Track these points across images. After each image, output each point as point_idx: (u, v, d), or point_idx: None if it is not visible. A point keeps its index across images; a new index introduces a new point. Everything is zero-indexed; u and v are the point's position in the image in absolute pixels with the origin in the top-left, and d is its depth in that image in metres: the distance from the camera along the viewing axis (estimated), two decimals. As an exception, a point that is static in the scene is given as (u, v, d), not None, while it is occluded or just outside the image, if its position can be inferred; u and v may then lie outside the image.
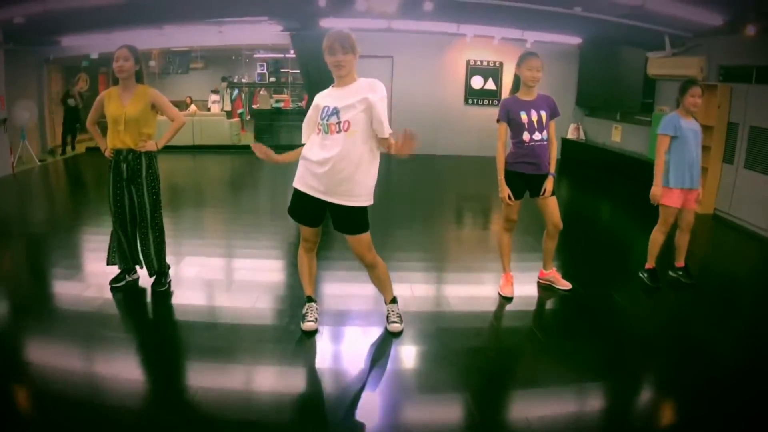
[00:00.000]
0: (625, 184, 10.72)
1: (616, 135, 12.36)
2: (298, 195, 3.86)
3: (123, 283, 4.92)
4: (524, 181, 4.74)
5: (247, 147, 14.04)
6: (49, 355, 3.77)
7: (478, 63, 13.87)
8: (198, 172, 12.50)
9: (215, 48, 15.44)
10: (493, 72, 13.93)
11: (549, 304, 5.00)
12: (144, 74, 4.74)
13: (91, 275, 5.27)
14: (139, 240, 4.88)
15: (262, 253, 6.27)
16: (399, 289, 4.53)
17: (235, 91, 17.90)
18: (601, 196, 10.76)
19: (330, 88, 3.82)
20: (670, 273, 5.64)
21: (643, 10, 7.74)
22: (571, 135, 13.31)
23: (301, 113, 14.17)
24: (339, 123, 3.63)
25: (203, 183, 11.27)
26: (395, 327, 4.16)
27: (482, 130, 13.60)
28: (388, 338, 4.12)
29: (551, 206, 4.82)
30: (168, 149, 4.92)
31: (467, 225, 8.57)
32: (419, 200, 9.46)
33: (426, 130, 13.52)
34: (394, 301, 4.27)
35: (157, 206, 4.81)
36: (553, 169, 4.77)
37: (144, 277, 5.04)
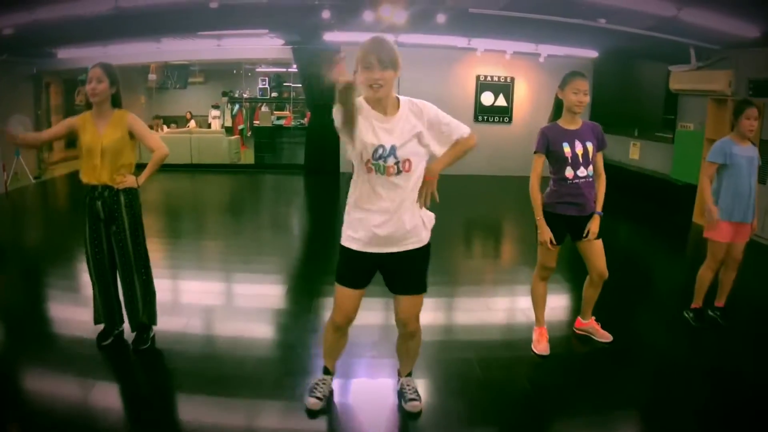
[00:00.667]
0: (645, 205, 10.20)
1: (634, 152, 11.83)
2: (351, 255, 3.17)
3: (111, 339, 4.29)
4: (566, 223, 4.11)
5: (248, 166, 13.87)
6: (39, 386, 3.63)
7: (489, 78, 13.31)
8: (196, 193, 11.96)
9: (215, 62, 14.97)
10: (504, 88, 13.38)
11: (587, 357, 4.42)
12: (121, 97, 4.11)
13: (87, 301, 4.57)
14: (123, 289, 4.24)
15: (264, 287, 5.87)
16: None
17: (236, 107, 17.43)
18: (620, 217, 10.07)
19: (368, 105, 3.00)
20: (709, 312, 5.13)
21: (675, 22, 7.18)
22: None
23: (303, 131, 13.88)
24: (398, 163, 2.99)
25: (202, 205, 10.73)
26: (416, 405, 3.52)
27: (493, 149, 13.17)
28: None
29: (596, 251, 4.18)
30: (165, 168, 4.39)
31: (480, 254, 8.04)
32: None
33: (434, 149, 13.06)
34: (411, 374, 3.66)
35: (140, 249, 4.19)
36: (600, 207, 4.13)
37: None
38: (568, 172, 3.98)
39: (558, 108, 4.10)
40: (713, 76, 8.94)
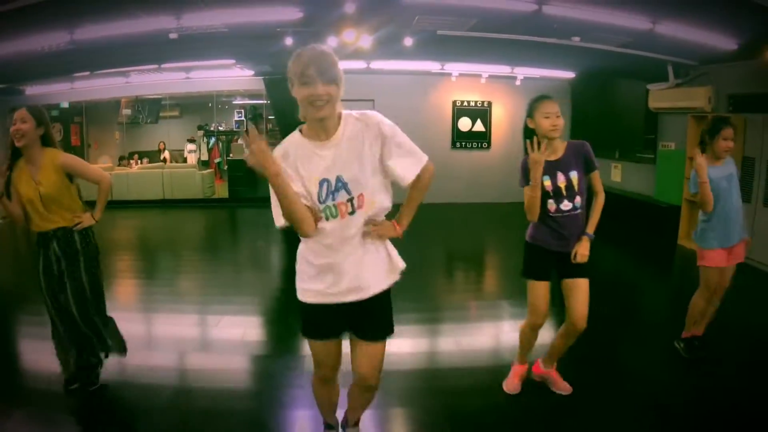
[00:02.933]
0: (629, 228, 9.85)
1: (615, 174, 11.60)
2: (313, 309, 2.73)
3: (77, 384, 4.04)
4: (553, 257, 3.72)
5: (222, 200, 13.55)
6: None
7: (465, 104, 13.13)
8: (170, 229, 11.60)
9: (187, 95, 14.81)
10: (482, 113, 13.18)
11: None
12: (54, 137, 3.86)
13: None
14: (78, 326, 3.97)
15: (242, 323, 5.70)
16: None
17: (212, 140, 17.18)
18: (603, 242, 9.71)
19: (302, 137, 2.58)
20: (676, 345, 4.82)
21: (651, 36, 6.97)
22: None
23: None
24: (352, 200, 2.54)
25: (176, 242, 10.36)
26: None
27: (472, 176, 13.07)
28: None
29: (579, 294, 3.70)
30: (137, 205, 4.19)
31: (461, 286, 7.66)
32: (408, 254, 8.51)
33: (410, 178, 12.82)
34: (357, 423, 3.29)
35: (97, 288, 3.96)
36: (592, 229, 3.71)
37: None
38: (550, 205, 3.62)
39: (529, 137, 3.60)
40: (692, 93, 8.78)
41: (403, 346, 4.76)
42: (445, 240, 10.10)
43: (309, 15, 6.58)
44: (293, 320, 5.54)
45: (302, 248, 2.72)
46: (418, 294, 6.38)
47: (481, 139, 13.24)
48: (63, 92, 12.92)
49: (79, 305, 3.89)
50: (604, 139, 11.53)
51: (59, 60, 8.45)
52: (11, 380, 4.26)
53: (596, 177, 3.71)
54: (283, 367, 4.48)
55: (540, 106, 3.58)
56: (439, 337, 5.36)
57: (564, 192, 3.59)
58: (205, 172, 14.33)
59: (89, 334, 3.99)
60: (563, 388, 4.04)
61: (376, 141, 2.56)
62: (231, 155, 15.50)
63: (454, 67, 11.67)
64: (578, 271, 3.71)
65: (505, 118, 13.11)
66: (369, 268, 2.65)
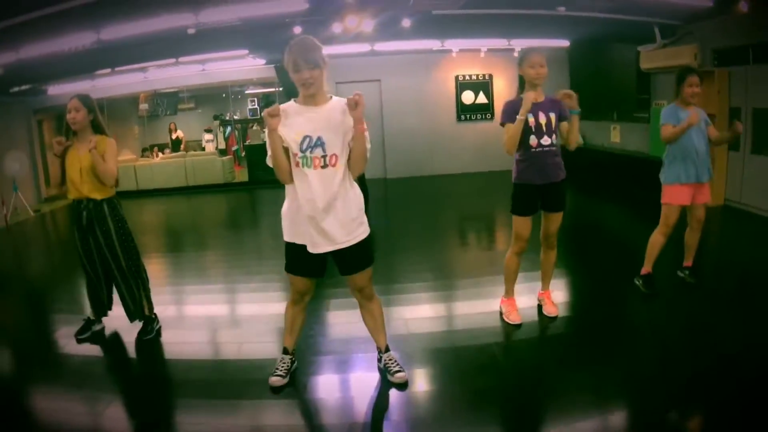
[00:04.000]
0: (630, 186, 10.29)
1: (615, 136, 12.05)
2: (295, 247, 3.45)
3: (88, 333, 4.71)
4: (538, 192, 4.34)
5: (243, 184, 14.10)
6: (51, 407, 3.68)
7: (467, 78, 13.66)
8: (194, 213, 12.24)
9: (203, 86, 15.32)
10: (483, 85, 13.72)
11: (553, 329, 4.56)
12: (102, 123, 4.52)
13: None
14: (116, 287, 4.68)
15: (263, 295, 5.92)
16: (402, 313, 4.69)
17: (228, 129, 17.73)
18: (606, 201, 10.35)
19: (297, 104, 3.32)
20: (678, 273, 5.34)
21: (635, 1, 7.44)
22: (568, 140, 12.74)
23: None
24: (325, 157, 3.24)
25: (199, 224, 10.98)
26: (402, 376, 3.65)
27: (478, 146, 13.53)
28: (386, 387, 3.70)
29: (556, 220, 4.47)
30: (162, 192, 4.72)
31: (471, 247, 8.17)
32: (419, 222, 9.16)
33: (420, 152, 13.49)
34: (388, 348, 3.84)
35: (130, 251, 4.61)
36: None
37: (120, 323, 4.85)
38: (532, 141, 4.19)
39: (522, 84, 4.33)
40: (679, 51, 9.20)
41: (421, 311, 5.05)
42: (459, 207, 10.55)
43: (314, 5, 7.10)
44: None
45: (290, 191, 3.39)
46: (432, 259, 6.87)
47: (485, 111, 13.75)
48: (84, 90, 13.32)
49: (116, 268, 4.56)
50: (602, 102, 12.03)
51: (83, 59, 9.01)
52: (52, 359, 4.48)
53: (575, 119, 4.30)
54: (306, 336, 4.43)
55: (528, 58, 4.21)
56: (453, 296, 5.53)
57: (544, 128, 4.20)
58: (225, 158, 14.88)
59: (123, 294, 4.64)
60: (550, 310, 4.69)
61: (348, 120, 3.25)
62: (248, 141, 16.02)
63: (454, 44, 12.14)
64: (558, 206, 4.42)
65: (506, 88, 13.51)
66: (350, 222, 3.37)
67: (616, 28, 9.39)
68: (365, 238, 3.47)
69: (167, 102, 17.07)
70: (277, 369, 3.74)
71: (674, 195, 4.94)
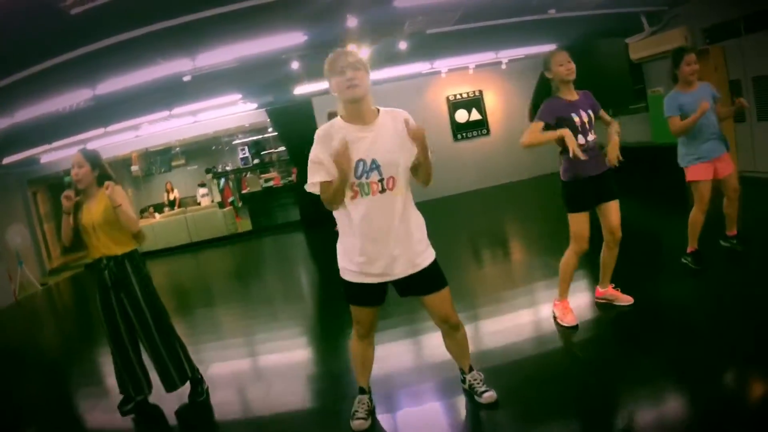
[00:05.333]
0: (636, 176, 10.09)
1: (613, 132, 11.99)
2: (359, 284, 3.19)
3: (132, 404, 4.29)
4: (592, 184, 4.22)
5: (247, 233, 13.93)
6: None
7: (459, 96, 13.67)
8: (202, 270, 11.99)
9: (194, 140, 15.29)
10: (475, 102, 13.73)
11: (609, 324, 4.47)
12: (112, 176, 4.28)
13: (113, 398, 4.53)
14: (149, 353, 4.24)
15: (289, 349, 5.61)
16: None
17: (222, 180, 17.62)
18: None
19: (343, 122, 3.01)
20: (722, 243, 5.30)
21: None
22: (566, 145, 12.71)
23: (293, 188, 14.02)
24: (382, 180, 2.98)
25: (209, 279, 10.67)
26: (491, 396, 3.45)
27: (479, 163, 13.55)
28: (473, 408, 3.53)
29: (613, 208, 4.31)
30: (167, 252, 4.45)
31: (489, 263, 7.95)
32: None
33: (418, 177, 13.23)
34: (472, 368, 3.63)
35: (158, 309, 4.26)
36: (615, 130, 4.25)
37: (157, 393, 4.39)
38: (580, 140, 4.09)
39: (544, 87, 4.28)
40: (669, 36, 9.26)
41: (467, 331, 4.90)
42: (468, 226, 10.33)
43: (313, 36, 7.02)
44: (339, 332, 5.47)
45: (345, 226, 3.16)
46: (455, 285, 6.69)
47: (480, 127, 13.73)
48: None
49: (142, 330, 4.17)
50: (597, 99, 11.95)
51: (77, 119, 8.87)
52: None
53: (603, 112, 4.34)
54: (329, 388, 4.34)
55: (554, 58, 4.16)
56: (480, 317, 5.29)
57: (587, 126, 4.16)
58: (225, 209, 14.80)
59: (156, 358, 4.20)
60: (625, 299, 4.58)
61: (404, 132, 3.00)
62: (246, 189, 15.90)
63: (443, 63, 12.11)
64: (610, 194, 4.29)
65: (497, 102, 13.60)
66: (413, 245, 3.13)
67: (603, 23, 9.43)
68: (433, 261, 3.21)
69: (160, 160, 16.99)
70: (357, 411, 3.51)
71: (698, 172, 4.91)
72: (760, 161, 8.14)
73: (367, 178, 2.96)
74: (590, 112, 4.22)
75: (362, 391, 3.60)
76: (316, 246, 11.31)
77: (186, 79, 7.73)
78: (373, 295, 3.21)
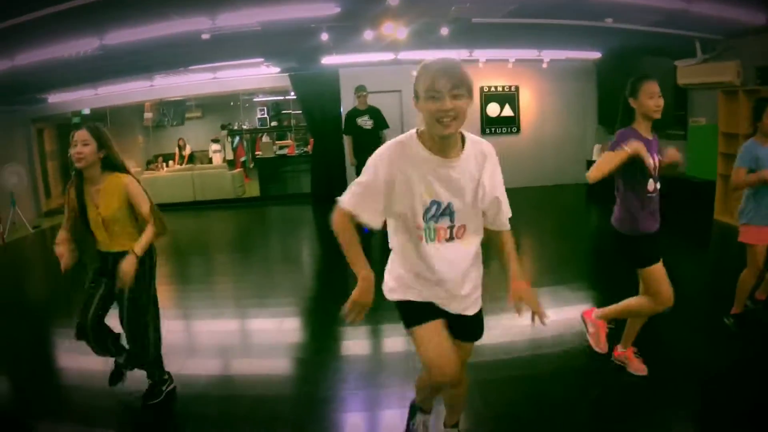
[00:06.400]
0: (665, 206, 9.60)
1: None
2: (413, 304, 2.60)
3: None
4: (653, 242, 3.71)
5: (254, 199, 13.54)
6: None
7: (493, 89, 13.03)
8: (203, 231, 11.59)
9: (212, 95, 14.74)
10: (510, 97, 13.08)
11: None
12: (119, 158, 3.72)
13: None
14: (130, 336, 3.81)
15: (281, 324, 5.56)
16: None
17: (236, 139, 17.17)
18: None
19: (424, 149, 2.37)
20: (748, 304, 4.78)
21: (685, 15, 6.93)
22: (596, 156, 12.22)
23: (307, 159, 13.58)
24: (452, 228, 2.45)
25: (210, 243, 10.32)
26: None
27: (502, 161, 12.65)
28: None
29: (664, 272, 3.72)
30: (169, 208, 4.10)
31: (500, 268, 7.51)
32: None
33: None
34: (457, 425, 3.20)
35: (144, 307, 3.82)
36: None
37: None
38: (650, 185, 3.58)
39: (628, 116, 3.67)
40: (721, 67, 8.70)
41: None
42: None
43: (346, 9, 6.57)
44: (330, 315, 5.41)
45: (398, 261, 2.63)
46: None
47: (510, 124, 13.15)
48: (88, 98, 12.90)
49: (132, 322, 3.77)
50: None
51: (87, 67, 8.47)
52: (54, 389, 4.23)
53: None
54: (321, 367, 4.40)
55: (645, 86, 3.54)
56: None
57: (656, 172, 3.59)
58: (234, 171, 14.36)
59: (138, 351, 3.87)
60: (639, 368, 3.98)
61: (495, 172, 2.52)
62: (259, 153, 15.44)
63: (482, 54, 11.60)
64: (662, 252, 3.74)
65: (532, 101, 13.04)
66: (473, 292, 2.62)
67: (655, 40, 8.91)
68: (480, 310, 2.70)
69: (174, 111, 16.44)
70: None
71: (756, 236, 4.46)
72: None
73: (436, 222, 2.42)
74: (657, 156, 3.63)
75: (422, 410, 3.18)
76: (325, 225, 10.92)
77: (205, 37, 7.24)
78: (432, 306, 2.61)
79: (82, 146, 3.54)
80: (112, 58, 7.85)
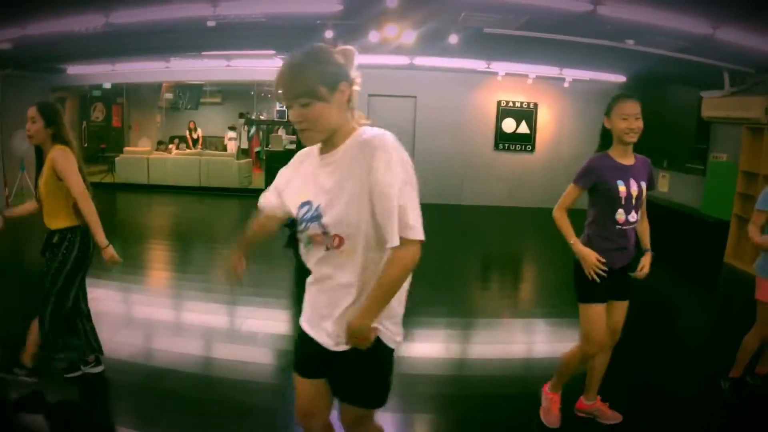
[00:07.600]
0: (672, 241, 9.17)
1: (662, 184, 11.09)
2: (303, 336, 2.21)
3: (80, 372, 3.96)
4: (611, 278, 3.29)
5: (258, 190, 13.36)
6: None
7: (511, 104, 12.69)
8: (205, 218, 11.59)
9: (232, 83, 14.78)
10: (527, 114, 12.74)
11: None
12: (67, 134, 3.67)
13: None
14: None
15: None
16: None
17: (253, 129, 17.02)
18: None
19: (318, 146, 2.10)
20: (749, 379, 4.29)
21: (709, 42, 6.58)
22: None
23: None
24: (327, 235, 2.01)
25: (211, 231, 10.23)
26: None
27: (515, 179, 12.77)
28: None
29: (622, 311, 3.43)
30: (174, 191, 3.97)
31: (497, 291, 7.32)
32: (443, 257, 8.07)
33: (451, 177, 12.60)
34: None
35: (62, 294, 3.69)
36: (648, 243, 3.47)
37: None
38: (620, 216, 3.23)
39: (605, 138, 3.36)
40: (748, 102, 8.29)
41: (432, 350, 4.76)
42: (483, 243, 9.80)
43: (350, 8, 6.37)
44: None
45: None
46: (450, 298, 6.24)
47: (526, 142, 12.81)
48: (105, 73, 12.94)
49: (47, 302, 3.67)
50: (652, 146, 10.83)
51: (97, 42, 8.43)
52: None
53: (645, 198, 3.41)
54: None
55: (618, 106, 3.23)
56: (468, 343, 5.17)
57: (633, 202, 3.25)
58: (242, 161, 14.23)
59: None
60: (613, 417, 3.66)
61: (385, 169, 1.92)
62: (270, 146, 15.28)
63: (501, 66, 11.30)
64: (626, 292, 3.42)
65: (551, 120, 12.70)
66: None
67: (682, 68, 8.53)
68: (379, 347, 2.11)
69: (190, 94, 16.31)
70: None
71: None
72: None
73: (306, 227, 2.06)
74: (643, 185, 3.29)
75: None
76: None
77: (210, 24, 7.08)
78: (313, 356, 2.20)
79: (31, 123, 3.62)
80: (120, 35, 7.79)
